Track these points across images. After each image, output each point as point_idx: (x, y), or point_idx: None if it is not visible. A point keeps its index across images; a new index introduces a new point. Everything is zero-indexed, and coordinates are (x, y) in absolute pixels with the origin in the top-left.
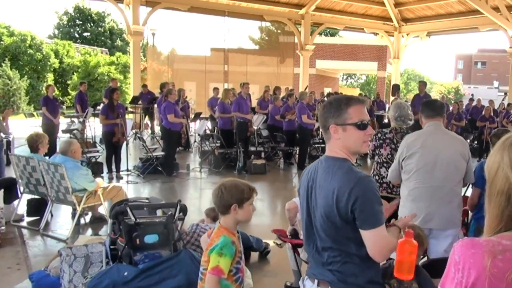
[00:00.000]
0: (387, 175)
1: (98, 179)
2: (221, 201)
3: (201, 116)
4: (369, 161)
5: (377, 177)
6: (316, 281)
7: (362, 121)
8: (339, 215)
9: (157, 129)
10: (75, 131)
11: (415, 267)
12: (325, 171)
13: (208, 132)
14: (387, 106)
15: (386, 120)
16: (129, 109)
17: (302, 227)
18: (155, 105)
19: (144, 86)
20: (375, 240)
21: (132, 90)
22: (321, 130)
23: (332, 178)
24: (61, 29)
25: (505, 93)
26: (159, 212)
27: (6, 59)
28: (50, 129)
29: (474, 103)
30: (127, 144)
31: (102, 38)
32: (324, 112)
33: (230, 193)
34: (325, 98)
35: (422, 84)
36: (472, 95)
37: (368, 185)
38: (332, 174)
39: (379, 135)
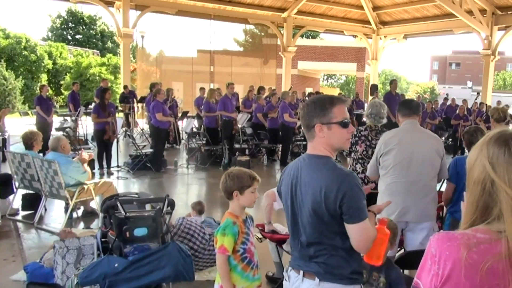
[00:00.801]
0: (362, 170)
1: (87, 168)
2: (225, 188)
3: (188, 114)
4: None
5: None
6: (301, 272)
7: (346, 119)
8: (328, 211)
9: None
10: (67, 129)
11: (388, 262)
12: (310, 169)
13: (194, 130)
14: (365, 105)
15: (364, 119)
16: (119, 108)
17: (287, 223)
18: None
19: (125, 87)
20: (361, 233)
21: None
22: (303, 128)
23: (318, 175)
24: (54, 32)
25: (478, 93)
26: (148, 207)
27: (2, 60)
28: (44, 127)
29: (448, 102)
30: (117, 142)
31: (94, 40)
32: (309, 112)
33: (233, 180)
34: (307, 98)
35: (394, 82)
36: (447, 94)
37: (354, 182)
38: (318, 172)
39: (355, 132)
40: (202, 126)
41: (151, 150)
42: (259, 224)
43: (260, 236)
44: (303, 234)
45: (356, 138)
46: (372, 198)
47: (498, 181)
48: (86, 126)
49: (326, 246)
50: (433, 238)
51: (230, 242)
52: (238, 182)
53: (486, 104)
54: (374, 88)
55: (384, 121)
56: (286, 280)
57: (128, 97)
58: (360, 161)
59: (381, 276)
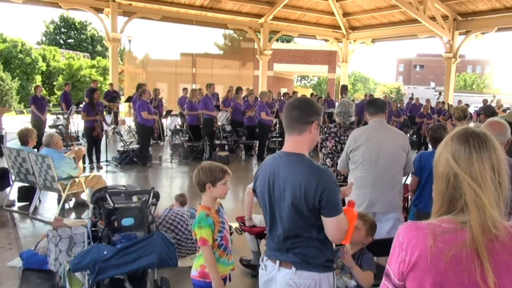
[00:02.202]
0: (331, 164)
1: (80, 164)
2: (198, 181)
3: (172, 113)
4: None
5: None
6: (277, 261)
7: None
8: (307, 205)
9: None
10: (60, 126)
11: (362, 250)
12: (289, 166)
13: (178, 127)
14: (336, 104)
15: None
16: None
17: (264, 217)
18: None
19: (111, 84)
20: (337, 225)
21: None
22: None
23: (297, 172)
24: (48, 36)
25: (440, 93)
26: (134, 198)
27: None
28: (38, 124)
29: (412, 102)
30: (106, 138)
31: (84, 44)
32: (309, 109)
33: (205, 174)
34: (282, 98)
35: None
36: (412, 94)
37: (331, 178)
38: (297, 168)
39: (325, 129)
40: (185, 123)
41: (137, 146)
42: (239, 217)
43: (240, 229)
44: (281, 228)
45: (326, 135)
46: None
47: (461, 173)
48: (77, 123)
49: (303, 238)
50: (401, 227)
51: (208, 232)
52: (210, 175)
53: (448, 103)
54: (344, 88)
55: (352, 119)
56: (262, 269)
57: (116, 96)
58: (330, 155)
59: (339, 257)
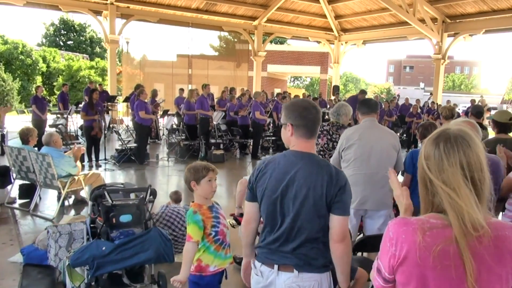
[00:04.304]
0: None
1: (78, 163)
2: (185, 180)
3: (169, 113)
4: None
5: None
6: (276, 266)
7: None
8: (326, 203)
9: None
10: (60, 126)
11: None
12: (309, 165)
13: (174, 126)
14: (328, 104)
15: (327, 117)
16: (108, 107)
17: (263, 216)
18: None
19: (100, 84)
20: (345, 225)
21: (109, 91)
22: (314, 127)
23: (318, 171)
24: (48, 38)
25: (431, 93)
26: (132, 195)
27: (1, 64)
28: (39, 124)
29: (402, 102)
30: (105, 137)
31: (84, 45)
32: (320, 113)
33: (190, 172)
34: (275, 98)
35: (363, 93)
36: (398, 95)
37: (346, 178)
38: (317, 167)
39: (319, 127)
40: (181, 123)
41: (135, 144)
42: (232, 213)
43: (233, 222)
44: (291, 227)
45: (319, 132)
46: None
47: (434, 179)
48: (76, 123)
49: (311, 239)
50: (391, 223)
51: (194, 229)
52: (194, 173)
53: (437, 103)
54: (336, 89)
55: (345, 119)
56: (257, 275)
57: (114, 96)
58: (321, 153)
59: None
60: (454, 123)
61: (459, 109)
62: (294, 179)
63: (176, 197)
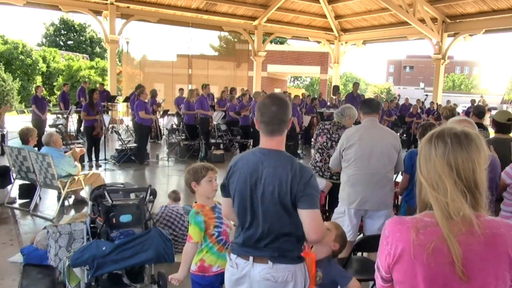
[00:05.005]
0: (320, 159)
1: (77, 163)
2: (185, 182)
3: (168, 113)
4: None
5: (312, 161)
6: (251, 258)
7: None
8: (291, 199)
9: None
10: (60, 126)
11: (326, 260)
12: (274, 162)
13: (174, 126)
14: (327, 104)
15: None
16: (108, 107)
17: (236, 214)
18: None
19: (101, 84)
20: (314, 219)
21: (110, 91)
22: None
23: (283, 167)
24: (48, 38)
25: (427, 94)
26: (132, 195)
27: (1, 63)
28: (39, 124)
29: (402, 102)
30: (105, 137)
31: (84, 45)
32: (287, 108)
33: (189, 173)
34: None
35: (356, 84)
36: (399, 95)
37: (312, 172)
38: (283, 164)
39: (320, 125)
40: (181, 123)
41: (135, 144)
42: None
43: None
44: (263, 225)
45: (320, 131)
46: (334, 188)
47: (421, 179)
48: (75, 123)
49: (283, 233)
50: (387, 222)
51: (194, 230)
52: (194, 174)
53: (437, 103)
54: (336, 89)
55: (346, 118)
56: (232, 267)
57: (114, 96)
58: (319, 151)
59: (318, 270)
60: (450, 121)
61: (459, 109)
62: (261, 176)
63: (175, 196)
